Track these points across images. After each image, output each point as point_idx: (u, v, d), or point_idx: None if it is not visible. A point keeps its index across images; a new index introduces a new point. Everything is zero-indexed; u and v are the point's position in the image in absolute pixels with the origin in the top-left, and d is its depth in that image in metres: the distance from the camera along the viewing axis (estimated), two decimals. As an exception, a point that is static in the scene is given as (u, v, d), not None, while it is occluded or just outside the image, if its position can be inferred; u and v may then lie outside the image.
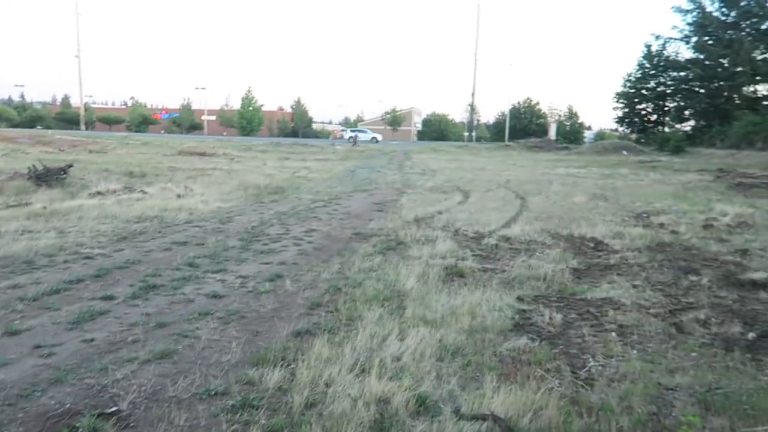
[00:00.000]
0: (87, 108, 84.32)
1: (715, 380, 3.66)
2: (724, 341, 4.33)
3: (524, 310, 5.24)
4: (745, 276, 6.36)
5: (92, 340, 4.18)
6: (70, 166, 14.97)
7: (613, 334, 4.64)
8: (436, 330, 4.52)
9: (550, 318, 4.98)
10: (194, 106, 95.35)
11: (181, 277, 6.02)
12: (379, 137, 62.45)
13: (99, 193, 12.68)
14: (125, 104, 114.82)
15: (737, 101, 47.55)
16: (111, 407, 3.17)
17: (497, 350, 4.18)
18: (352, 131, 62.93)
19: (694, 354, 4.17)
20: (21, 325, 4.41)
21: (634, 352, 4.25)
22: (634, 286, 6.10)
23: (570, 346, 4.38)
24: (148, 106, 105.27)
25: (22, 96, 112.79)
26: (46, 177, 13.32)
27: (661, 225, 10.12)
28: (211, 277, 6.12)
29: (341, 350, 4.01)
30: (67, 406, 3.19)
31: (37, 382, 3.49)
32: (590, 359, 4.08)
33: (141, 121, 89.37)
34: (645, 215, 11.36)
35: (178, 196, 12.94)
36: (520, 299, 5.57)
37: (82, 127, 75.15)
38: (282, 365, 3.77)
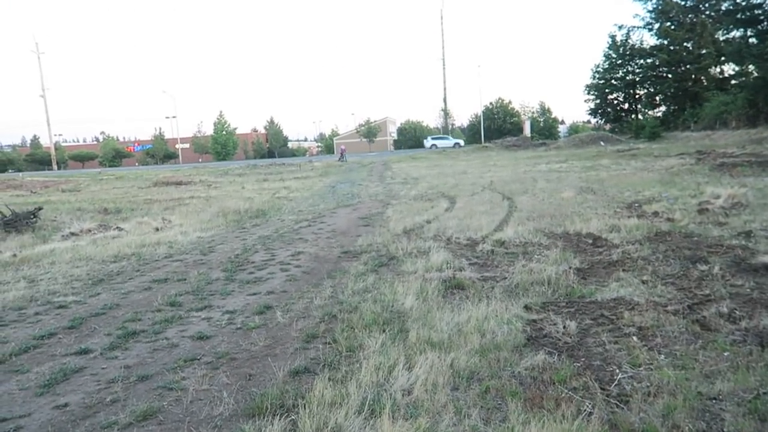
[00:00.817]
0: (57, 147, 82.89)
1: (759, 383, 3.33)
2: (756, 337, 4.02)
3: (534, 321, 4.90)
4: (757, 260, 6.09)
5: (66, 405, 3.73)
6: (40, 208, 14.36)
7: (635, 338, 4.31)
8: (445, 354, 4.14)
9: (564, 327, 4.64)
10: (167, 135, 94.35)
11: (162, 320, 5.57)
12: (462, 143, 60.95)
13: (72, 234, 12.12)
14: (96, 140, 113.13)
15: (705, 83, 48.18)
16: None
17: (515, 371, 3.82)
18: (432, 139, 61.24)
19: (726, 354, 3.85)
20: (-16, 395, 3.94)
21: (662, 357, 3.92)
22: (644, 282, 5.80)
23: (592, 357, 4.04)
24: (120, 140, 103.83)
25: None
26: (15, 223, 12.72)
27: (656, 213, 9.88)
28: (196, 316, 5.68)
29: (345, 389, 3.61)
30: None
31: (2, 464, 3.04)
32: (617, 371, 3.73)
33: (114, 155, 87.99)
34: (637, 205, 11.14)
35: (156, 229, 12.45)
36: (527, 308, 5.23)
37: (54, 166, 73.81)
38: (281, 414, 3.36)
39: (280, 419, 3.28)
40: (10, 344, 4.98)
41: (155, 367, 4.35)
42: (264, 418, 3.32)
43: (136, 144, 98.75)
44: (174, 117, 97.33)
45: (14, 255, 9.67)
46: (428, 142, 60.29)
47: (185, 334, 5.13)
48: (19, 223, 12.81)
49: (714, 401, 3.21)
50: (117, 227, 12.69)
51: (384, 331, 4.74)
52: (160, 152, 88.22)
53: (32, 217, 13.38)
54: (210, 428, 3.30)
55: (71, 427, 3.41)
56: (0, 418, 3.57)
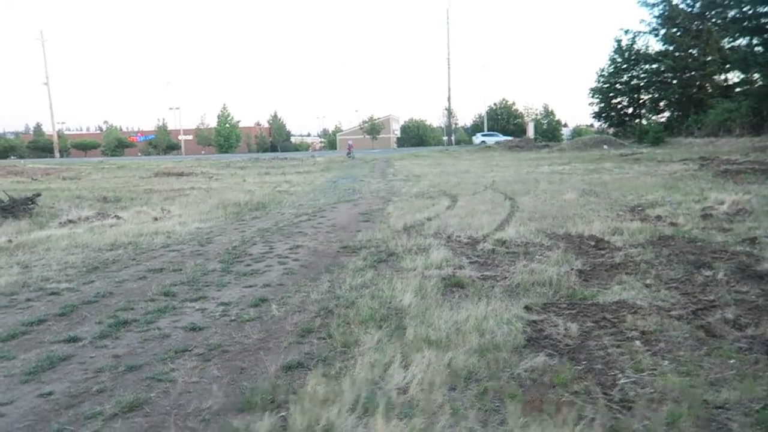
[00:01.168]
0: (60, 135, 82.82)
1: (767, 393, 3.21)
2: (763, 345, 3.90)
3: (535, 321, 4.78)
4: (762, 267, 5.98)
5: (50, 393, 3.62)
6: (38, 194, 14.25)
7: (637, 342, 4.20)
8: (442, 352, 4.03)
9: (565, 328, 4.53)
10: (170, 127, 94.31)
11: (156, 309, 5.46)
12: (509, 138, 60.96)
13: (70, 221, 12.01)
14: (99, 129, 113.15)
15: (710, 90, 48.04)
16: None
17: (515, 372, 3.71)
18: (482, 135, 62.38)
19: (732, 361, 3.74)
20: (-32, 382, 3.83)
21: (666, 363, 3.80)
22: (647, 286, 5.68)
23: (593, 360, 3.93)
24: (123, 129, 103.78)
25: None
26: (13, 208, 12.61)
27: (659, 218, 9.77)
28: (190, 307, 5.57)
29: (339, 386, 3.50)
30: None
31: (-19, 453, 2.94)
32: (620, 375, 3.62)
33: (116, 145, 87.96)
34: (639, 208, 11.02)
35: (155, 219, 12.34)
36: (528, 309, 5.11)
37: (56, 154, 73.72)
38: (272, 409, 3.25)
39: (270, 415, 3.17)
40: (-2, 330, 4.88)
41: (145, 357, 4.24)
42: (254, 412, 3.22)
43: (139, 134, 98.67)
44: (177, 108, 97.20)
45: (9, 240, 9.57)
46: (477, 139, 61.98)
47: (178, 324, 5.02)
48: (16, 208, 12.70)
49: (720, 410, 3.10)
50: (115, 216, 12.58)
51: (381, 327, 4.63)
52: (163, 143, 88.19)
53: (30, 203, 13.28)
54: (197, 421, 3.20)
55: (54, 416, 3.31)
56: (-18, 405, 3.47)
